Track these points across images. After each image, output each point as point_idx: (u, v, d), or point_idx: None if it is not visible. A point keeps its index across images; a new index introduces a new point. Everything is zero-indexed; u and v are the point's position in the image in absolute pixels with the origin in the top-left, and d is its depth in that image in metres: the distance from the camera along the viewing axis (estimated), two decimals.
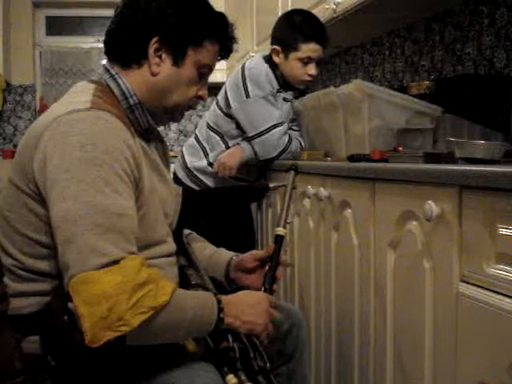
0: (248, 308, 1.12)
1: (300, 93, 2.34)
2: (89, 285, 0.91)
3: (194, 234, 1.46)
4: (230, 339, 1.09)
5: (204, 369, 1.06)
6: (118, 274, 0.93)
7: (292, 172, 1.48)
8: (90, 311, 0.90)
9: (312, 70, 2.21)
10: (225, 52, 1.23)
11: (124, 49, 1.15)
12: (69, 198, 0.96)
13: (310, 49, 2.18)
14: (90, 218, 0.95)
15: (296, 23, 2.20)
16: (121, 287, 0.92)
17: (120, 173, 1.01)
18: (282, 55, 2.22)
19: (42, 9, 5.26)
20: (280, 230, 1.35)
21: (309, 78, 2.23)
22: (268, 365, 1.10)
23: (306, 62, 2.19)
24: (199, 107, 5.29)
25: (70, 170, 0.97)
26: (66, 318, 0.97)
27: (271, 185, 1.67)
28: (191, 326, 1.03)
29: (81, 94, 1.10)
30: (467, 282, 1.00)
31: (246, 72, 2.21)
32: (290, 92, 2.29)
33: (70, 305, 0.94)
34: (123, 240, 0.97)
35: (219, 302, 1.07)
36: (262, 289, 1.25)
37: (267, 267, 1.30)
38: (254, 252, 1.38)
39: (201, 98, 1.22)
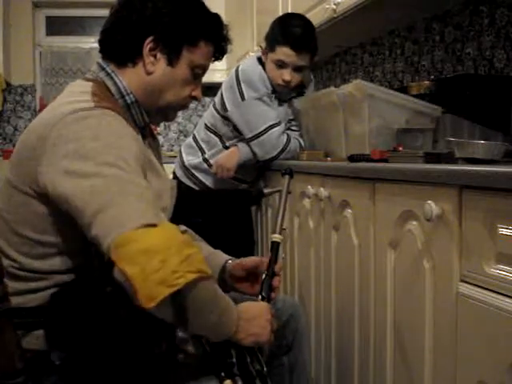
0: (252, 320, 1.10)
1: (297, 93, 2.33)
2: (132, 243, 0.87)
3: (191, 231, 1.45)
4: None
5: (202, 374, 1.06)
6: (161, 233, 0.90)
7: (287, 177, 1.44)
8: (139, 268, 0.85)
9: (285, 75, 2.15)
10: (219, 53, 1.23)
11: (119, 48, 1.16)
12: (92, 176, 0.95)
13: (283, 52, 2.12)
14: (118, 187, 0.94)
15: (281, 25, 2.17)
16: (168, 242, 0.89)
17: (135, 157, 1.02)
18: (265, 54, 2.22)
19: (42, 9, 5.25)
20: (276, 237, 1.31)
21: (282, 83, 2.17)
22: (265, 369, 1.09)
23: (279, 65, 2.15)
24: (199, 107, 5.29)
25: (88, 158, 0.97)
26: (109, 289, 0.94)
27: (266, 191, 1.66)
28: (221, 317, 1.01)
29: (80, 93, 1.10)
30: (467, 282, 1.00)
31: (240, 74, 2.20)
32: (286, 92, 2.28)
33: (115, 273, 0.89)
34: (153, 209, 0.95)
35: None
36: (260, 297, 1.22)
37: (263, 275, 1.26)
38: (240, 261, 1.35)
39: (195, 98, 1.23)
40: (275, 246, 1.31)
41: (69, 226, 1.00)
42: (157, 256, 0.86)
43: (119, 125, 1.05)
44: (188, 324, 0.98)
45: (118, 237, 0.88)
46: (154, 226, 0.91)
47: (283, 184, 1.44)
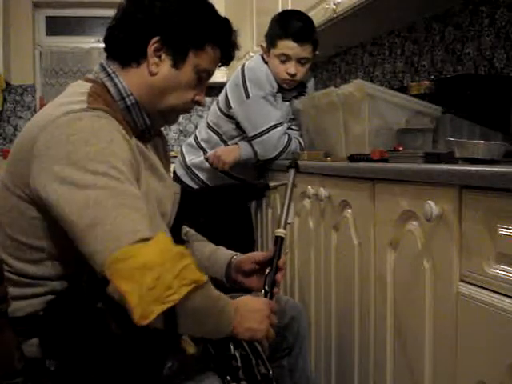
0: (249, 314, 1.10)
1: (298, 93, 2.34)
2: (129, 260, 0.87)
3: (192, 231, 1.45)
4: (232, 347, 1.08)
5: (207, 377, 1.06)
6: (156, 246, 0.90)
7: (293, 170, 1.42)
8: (134, 286, 0.86)
9: (290, 68, 2.16)
10: (226, 58, 1.21)
11: (124, 47, 1.13)
12: (85, 187, 0.93)
13: (285, 45, 2.14)
14: (111, 200, 0.93)
15: (280, 20, 2.19)
16: (163, 256, 0.89)
17: (127, 163, 1.00)
18: (267, 53, 2.22)
19: (42, 9, 5.26)
20: (280, 232, 1.30)
21: (288, 77, 2.18)
22: (271, 372, 1.08)
23: (283, 59, 2.16)
24: (199, 107, 5.28)
25: (80, 165, 0.95)
26: (100, 304, 0.94)
27: (271, 184, 1.65)
28: (219, 319, 1.01)
29: (76, 94, 1.08)
30: (467, 282, 1.00)
31: (246, 72, 2.21)
32: (288, 91, 2.28)
33: (109, 289, 0.89)
34: (147, 220, 0.95)
35: None
36: (263, 292, 1.22)
37: (267, 270, 1.26)
38: (251, 254, 1.35)
39: (198, 102, 1.20)
40: (279, 240, 1.29)
41: (60, 232, 0.97)
42: (151, 273, 0.86)
43: (111, 128, 1.02)
44: (187, 330, 0.99)
45: (114, 252, 0.88)
46: (149, 239, 0.91)
47: (288, 178, 1.41)
